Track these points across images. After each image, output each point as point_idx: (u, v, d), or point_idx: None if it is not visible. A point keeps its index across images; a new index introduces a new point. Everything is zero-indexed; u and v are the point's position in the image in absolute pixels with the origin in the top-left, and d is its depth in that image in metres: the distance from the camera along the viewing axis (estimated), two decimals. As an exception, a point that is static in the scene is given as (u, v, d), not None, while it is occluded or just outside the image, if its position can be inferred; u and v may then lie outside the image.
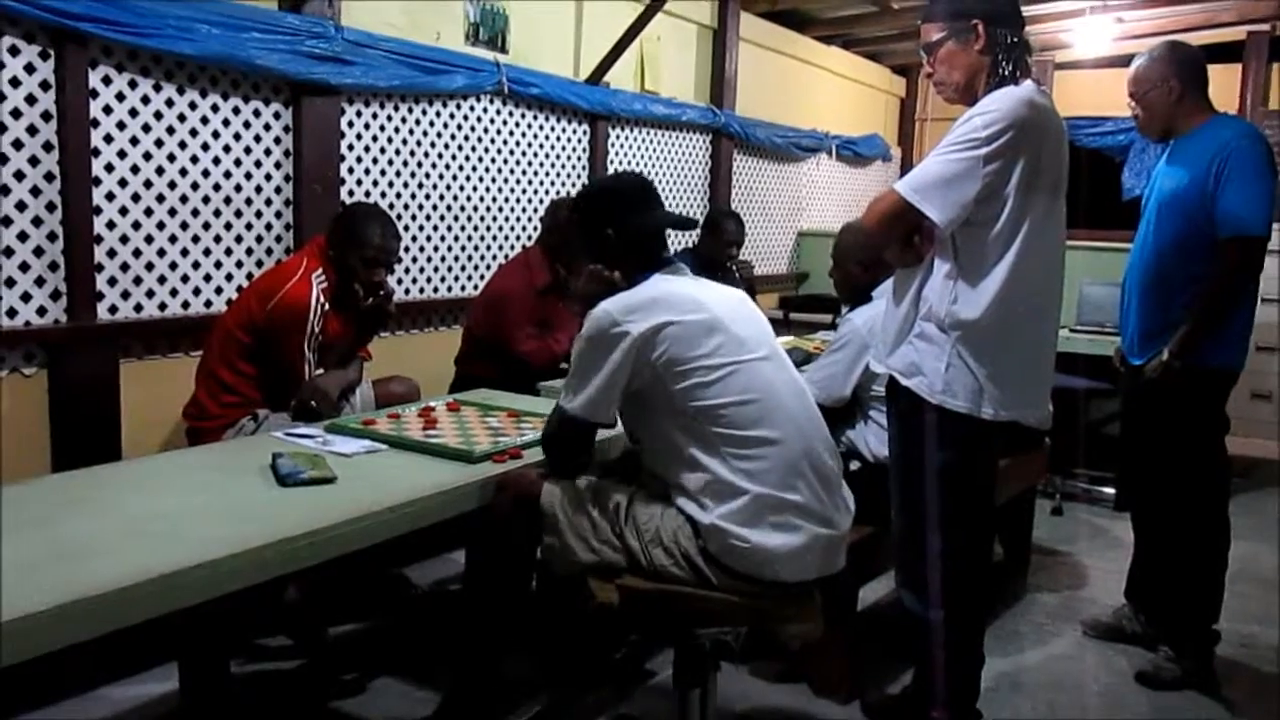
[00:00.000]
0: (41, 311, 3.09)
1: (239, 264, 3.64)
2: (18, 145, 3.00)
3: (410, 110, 4.22)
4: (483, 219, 4.64)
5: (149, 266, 3.37)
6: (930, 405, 2.30)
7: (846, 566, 2.26)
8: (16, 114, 2.99)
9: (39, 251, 3.07)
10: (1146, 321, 3.02)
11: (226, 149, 3.56)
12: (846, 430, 3.04)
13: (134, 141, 3.29)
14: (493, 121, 4.61)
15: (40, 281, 3.08)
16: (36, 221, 3.05)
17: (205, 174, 3.50)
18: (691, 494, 2.14)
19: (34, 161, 3.03)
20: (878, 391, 2.90)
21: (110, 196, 3.24)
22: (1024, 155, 2.21)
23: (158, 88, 3.33)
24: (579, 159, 5.15)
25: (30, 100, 3.01)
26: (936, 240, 2.30)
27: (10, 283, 3.02)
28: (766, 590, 2.11)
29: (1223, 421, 3.04)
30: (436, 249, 4.45)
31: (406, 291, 4.32)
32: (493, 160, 4.64)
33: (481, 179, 4.60)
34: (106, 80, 3.20)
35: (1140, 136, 7.29)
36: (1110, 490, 4.90)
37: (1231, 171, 2.81)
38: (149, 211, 3.35)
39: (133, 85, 3.26)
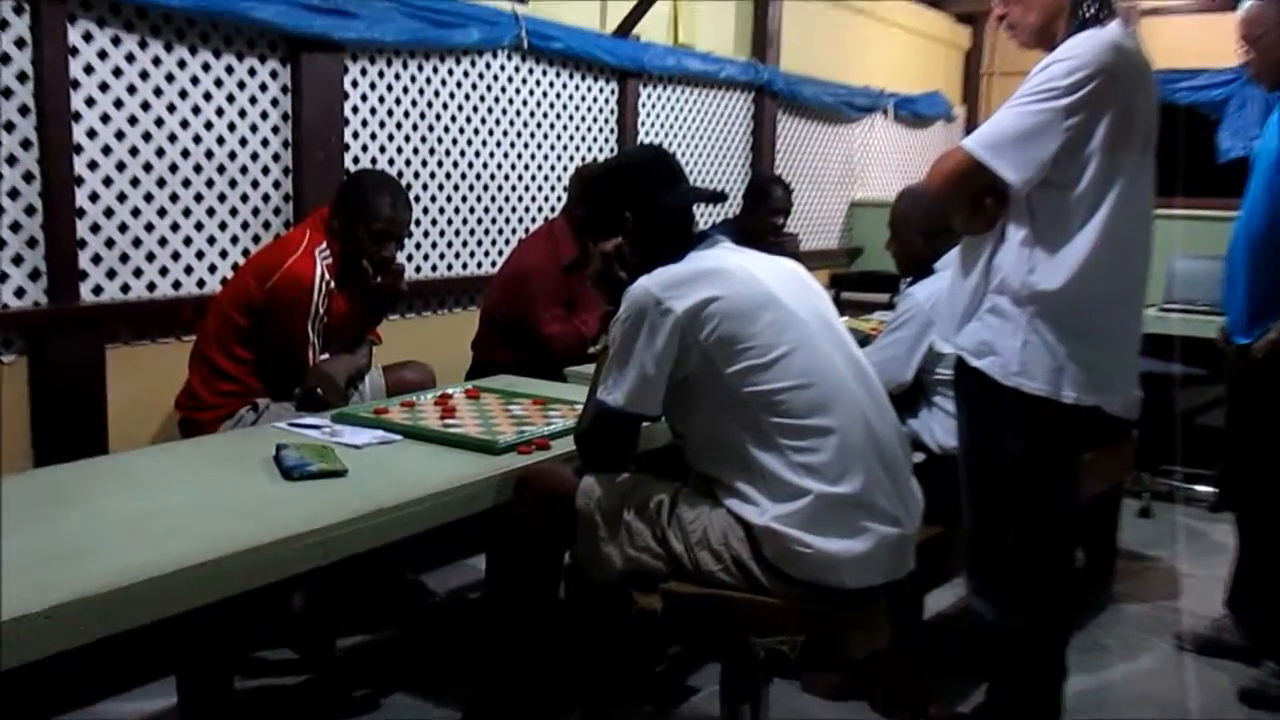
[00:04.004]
0: (20, 293, 3.14)
1: (234, 239, 3.68)
2: (-7, 109, 3.05)
3: (421, 68, 4.24)
4: (501, 188, 4.66)
5: (136, 243, 3.42)
6: (1004, 388, 2.29)
7: (914, 570, 2.26)
8: (-9, 75, 3.04)
9: (16, 227, 3.11)
10: (1256, 295, 2.99)
11: (219, 112, 3.59)
12: (909, 419, 3.03)
13: (118, 104, 3.32)
14: (511, 80, 4.62)
15: (18, 260, 3.13)
16: (13, 194, 3.10)
17: (196, 140, 3.53)
18: (743, 492, 2.15)
19: (9, 127, 3.07)
20: (943, 374, 2.90)
21: (93, 165, 3.28)
22: (1111, 107, 2.20)
23: (143, 44, 3.36)
24: (607, 121, 5.16)
25: (4, 59, 3.05)
26: (1010, 203, 2.29)
27: (-14, 261, 3.08)
28: (827, 596, 2.11)
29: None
30: (451, 221, 4.47)
31: (418, 269, 4.35)
32: (511, 123, 4.65)
33: (500, 143, 4.62)
34: (87, 36, 3.23)
35: (1239, 92, 7.16)
36: (1206, 489, 4.86)
37: None
38: (135, 182, 3.39)
39: (116, 42, 3.30)
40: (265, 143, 3.74)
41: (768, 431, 2.12)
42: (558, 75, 4.85)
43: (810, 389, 2.13)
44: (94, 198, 3.30)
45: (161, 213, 3.47)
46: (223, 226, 3.65)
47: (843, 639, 2.15)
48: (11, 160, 3.08)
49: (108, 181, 3.33)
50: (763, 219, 4.88)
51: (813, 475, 2.10)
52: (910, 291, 3.13)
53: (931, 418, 3.03)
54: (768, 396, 2.12)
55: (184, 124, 3.50)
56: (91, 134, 3.27)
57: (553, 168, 4.90)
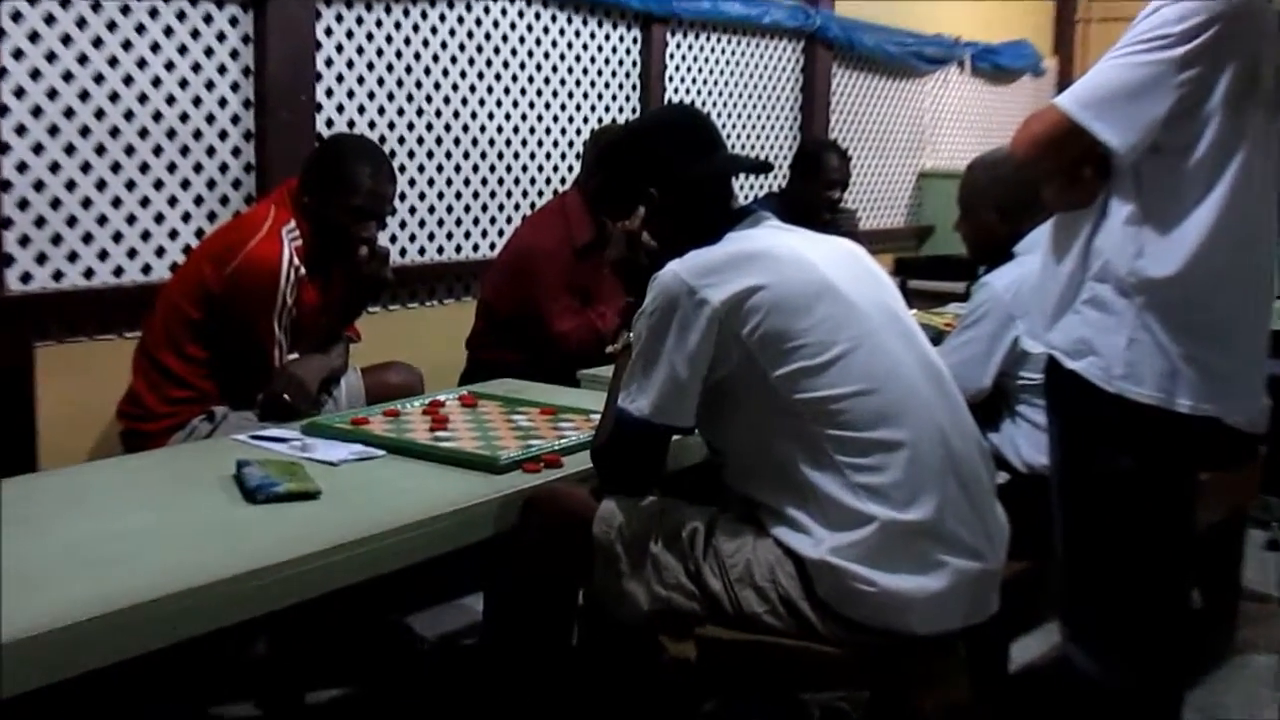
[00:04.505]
0: (-65, 280, 3.18)
1: (186, 217, 3.70)
2: (-97, 64, 3.08)
3: (407, 13, 4.26)
4: (503, 156, 4.67)
5: (71, 221, 3.44)
6: (1105, 395, 2.27)
7: (998, 612, 2.26)
8: (-99, 23, 3.07)
9: (-69, 202, 3.15)
10: None
11: (169, 66, 3.61)
12: (989, 432, 3.02)
13: (51, 58, 3.35)
14: (514, 27, 4.64)
15: (-67, 241, 3.16)
16: (-72, 163, 3.13)
17: (142, 99, 3.56)
18: (794, 519, 2.14)
19: (-76, 85, 3.11)
20: (1030, 379, 2.90)
21: (21, 130, 3.31)
22: (1234, 57, 2.18)
23: (81, -13, 3.40)
24: (628, 75, 5.16)
25: (-81, 5, 3.09)
26: (1113, 174, 2.28)
27: (-105, 243, 3.12)
28: (893, 644, 2.11)
29: None
30: (443, 196, 4.49)
31: (404, 253, 4.36)
32: (515, 78, 4.67)
33: (501, 103, 4.63)
34: (15, -22, 3.27)
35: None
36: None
37: None
38: (70, 149, 3.41)
39: (49, -16, 3.33)
40: (223, 102, 3.76)
41: (823, 446, 2.12)
42: (569, 21, 4.87)
43: (874, 396, 2.13)
44: (21, 168, 3.32)
45: (101, 186, 3.50)
46: (172, 202, 3.67)
47: (912, 695, 2.15)
48: (-75, 124, 3.12)
49: (38, 149, 3.35)
50: (815, 192, 4.87)
51: (877, 499, 2.09)
52: (986, 281, 3.12)
53: (1016, 431, 3.02)
54: (823, 405, 2.12)
55: (127, 80, 3.52)
56: (19, 93, 3.30)
57: (564, 132, 4.91)
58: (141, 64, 3.55)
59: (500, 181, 4.68)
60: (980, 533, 2.18)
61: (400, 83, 4.27)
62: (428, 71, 4.35)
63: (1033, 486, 2.76)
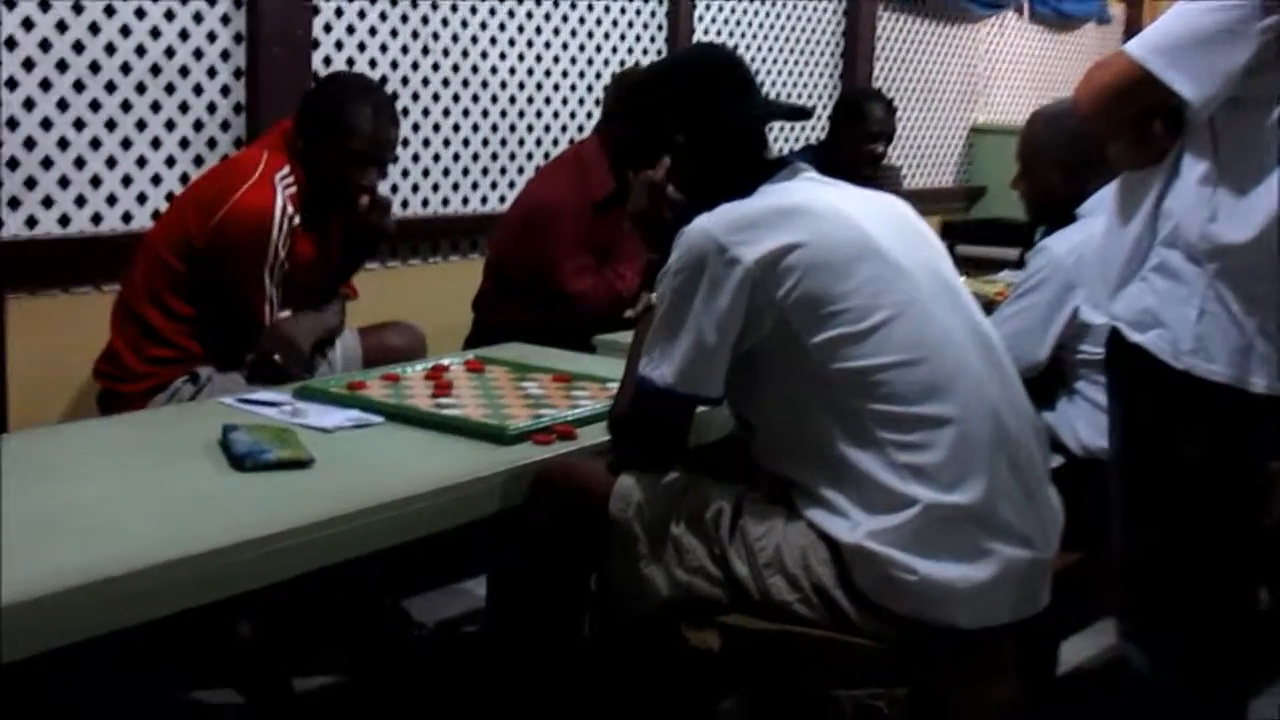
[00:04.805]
0: (-102, 225, 3.19)
1: (170, 161, 3.70)
2: None
3: (414, -58, 4.25)
4: (514, 100, 4.66)
5: (46, 163, 3.45)
6: (1173, 371, 2.27)
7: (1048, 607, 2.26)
8: None
9: (-106, 140, 3.16)
10: None
11: (154, -4, 3.61)
12: (1044, 410, 3.01)
13: (25, -16, 3.36)
14: (530, -41, 4.63)
15: (-104, 182, 3.17)
16: (-109, 97, 3.14)
17: (125, 32, 3.56)
18: (828, 500, 2.14)
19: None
20: (1091, 353, 2.89)
21: (-8, 62, 3.32)
22: (1324, 4, 2.17)
23: (59, -94, 3.39)
24: (654, 14, 5.14)
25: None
26: (1187, 129, 2.27)
27: None
28: (936, 638, 2.11)
29: None
30: (449, 143, 4.48)
31: (405, 204, 4.36)
32: (529, 14, 4.65)
33: (514, 42, 4.61)
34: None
35: None
36: None
37: None
38: (46, 85, 3.42)
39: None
40: (211, 36, 3.76)
41: (863, 421, 2.12)
42: (590, -46, 4.86)
43: (920, 367, 2.12)
44: (-7, 104, 3.33)
45: (79, 125, 3.50)
46: (156, 144, 3.67)
47: (954, 694, 2.15)
48: (-112, 54, 3.12)
49: (11, 84, 3.35)
50: (857, 146, 4.84)
51: (921, 480, 2.09)
52: (1045, 244, 3.11)
53: (1073, 409, 3.02)
54: (864, 376, 2.12)
55: (109, 11, 3.52)
56: (-10, 21, 3.30)
57: (582, 75, 4.89)
58: (124, -7, 3.55)
59: (512, 128, 4.67)
60: (1032, 519, 2.18)
61: (405, 17, 4.26)
62: (435, 6, 4.34)
63: (1089, 471, 2.76)
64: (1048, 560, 2.22)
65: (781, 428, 2.23)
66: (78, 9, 3.45)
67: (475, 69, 4.51)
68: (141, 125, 3.63)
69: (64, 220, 3.50)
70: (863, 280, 2.14)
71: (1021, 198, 3.29)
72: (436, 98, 4.41)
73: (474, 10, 4.46)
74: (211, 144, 3.79)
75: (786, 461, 2.24)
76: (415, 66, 4.32)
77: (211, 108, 3.78)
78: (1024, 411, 2.24)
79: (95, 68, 3.50)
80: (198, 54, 3.73)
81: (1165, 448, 2.33)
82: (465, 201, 4.56)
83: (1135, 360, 2.32)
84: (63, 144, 3.47)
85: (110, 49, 3.53)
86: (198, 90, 3.74)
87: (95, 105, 3.52)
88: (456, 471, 2.27)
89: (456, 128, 4.49)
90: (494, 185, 4.64)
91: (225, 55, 3.79)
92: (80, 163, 3.51)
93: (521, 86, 4.68)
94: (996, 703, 2.19)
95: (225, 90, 3.81)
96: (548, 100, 4.78)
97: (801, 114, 2.61)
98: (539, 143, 4.77)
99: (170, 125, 3.69)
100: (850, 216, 2.22)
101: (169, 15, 3.64)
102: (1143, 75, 2.21)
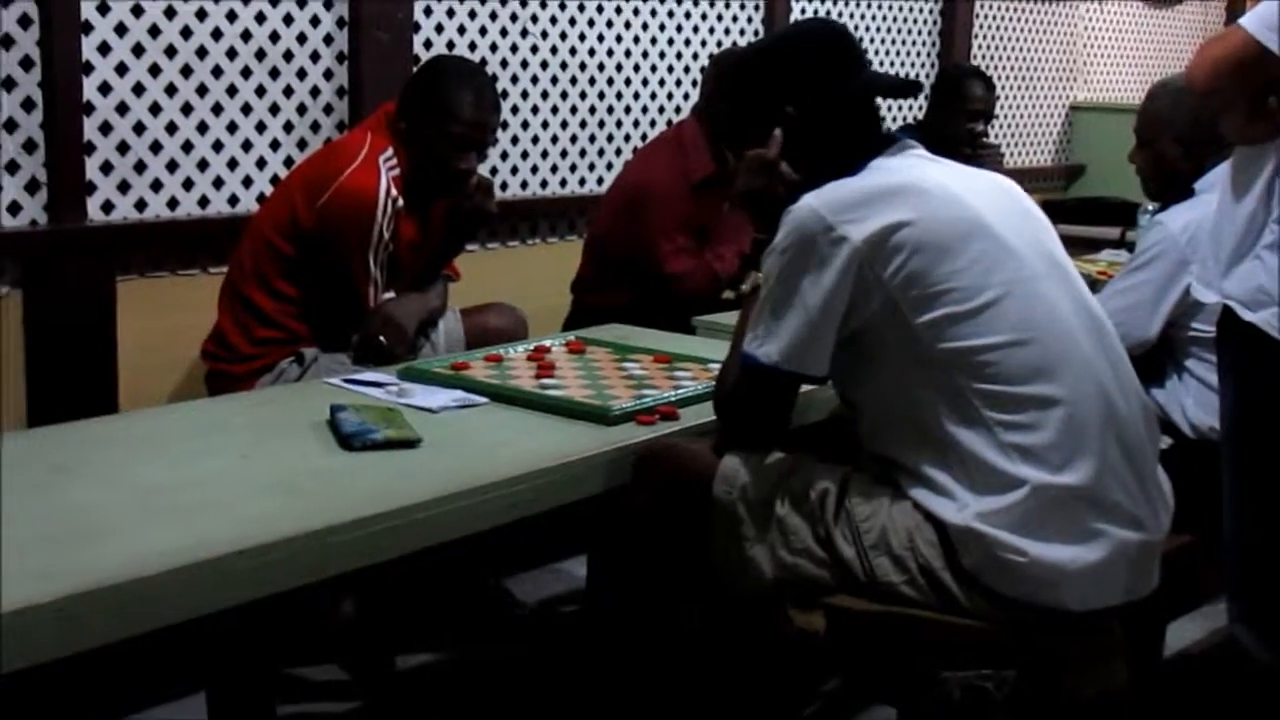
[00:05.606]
0: (14, 209, 3.24)
1: (275, 144, 3.74)
2: (-19, -23, 3.13)
3: (512, -75, 4.26)
4: (613, 82, 4.66)
5: (155, 148, 3.49)
6: (1288, 351, 2.24)
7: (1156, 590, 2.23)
8: (-21, -66, 3.11)
9: (10, 126, 3.20)
10: None
11: (259, -18, 3.65)
12: (1154, 389, 2.98)
13: (135, -28, 3.40)
14: (628, -59, 4.62)
15: (12, 167, 3.22)
16: (8, 84, 3.18)
17: (230, 17, 3.59)
18: (935, 481, 2.12)
19: (4, 1, 3.14)
20: (1202, 331, 2.85)
21: (104, 49, 3.35)
22: None
23: (166, -105, 3.43)
24: (751, -5, 5.12)
25: (-3, -86, 3.13)
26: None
27: (-28, 169, 3.18)
28: (1044, 620, 2.09)
29: None
30: (548, 125, 4.49)
31: (505, 186, 4.37)
32: (628, -3, 4.65)
33: (612, 24, 4.61)
34: (98, -115, 3.30)
35: None
36: None
37: None
38: (155, 70, 3.46)
39: (133, -109, 3.36)
40: (315, 21, 3.78)
41: (971, 402, 2.09)
42: (689, -65, 4.84)
43: (1029, 347, 2.09)
44: (105, 89, 3.37)
45: (186, 110, 3.54)
46: (261, 129, 3.71)
47: (1065, 677, 2.12)
48: (7, 42, 3.16)
49: (121, 69, 3.39)
50: (956, 124, 4.79)
51: (1030, 460, 2.06)
52: (1160, 219, 3.07)
53: (1184, 389, 2.99)
54: (972, 356, 2.10)
55: (215, -3, 3.56)
56: (103, 9, 3.34)
57: (679, 56, 4.88)
58: (230, -21, 3.59)
59: (610, 110, 4.67)
60: (1142, 500, 2.14)
61: (504, 1, 4.26)
62: (534, -11, 4.35)
63: (1200, 452, 2.74)
64: (1158, 542, 2.18)
65: (887, 408, 2.21)
66: (185, -4, 3.49)
67: (573, 50, 4.50)
68: (247, 109, 3.66)
69: (172, 203, 3.54)
70: (971, 259, 2.11)
71: (1138, 172, 3.25)
72: (536, 80, 4.41)
73: (572, -8, 4.47)
74: (315, 128, 3.82)
75: (892, 442, 2.21)
76: (515, 49, 4.32)
77: (315, 92, 3.81)
78: (1133, 392, 2.20)
79: (202, 53, 3.54)
80: (301, 38, 3.76)
81: (1277, 429, 2.30)
82: (564, 183, 4.57)
83: (1247, 339, 2.31)
84: (170, 128, 3.51)
85: (217, 34, 3.56)
86: (301, 75, 3.77)
87: (202, 90, 3.56)
88: (561, 452, 2.27)
89: (556, 110, 4.49)
90: (592, 167, 4.64)
91: (328, 39, 3.82)
92: (188, 147, 3.55)
93: (620, 68, 4.67)
94: (1106, 685, 2.16)
95: (329, 74, 3.83)
96: (645, 82, 4.77)
97: (911, 87, 2.57)
98: (637, 124, 4.76)
99: (275, 109, 3.72)
100: (958, 194, 2.19)
101: (274, 1, 3.67)
102: (1259, 50, 2.19)
